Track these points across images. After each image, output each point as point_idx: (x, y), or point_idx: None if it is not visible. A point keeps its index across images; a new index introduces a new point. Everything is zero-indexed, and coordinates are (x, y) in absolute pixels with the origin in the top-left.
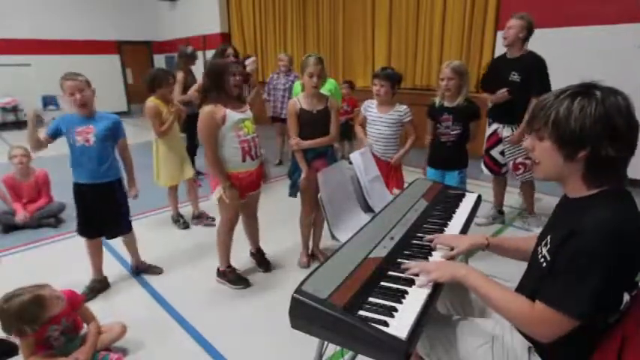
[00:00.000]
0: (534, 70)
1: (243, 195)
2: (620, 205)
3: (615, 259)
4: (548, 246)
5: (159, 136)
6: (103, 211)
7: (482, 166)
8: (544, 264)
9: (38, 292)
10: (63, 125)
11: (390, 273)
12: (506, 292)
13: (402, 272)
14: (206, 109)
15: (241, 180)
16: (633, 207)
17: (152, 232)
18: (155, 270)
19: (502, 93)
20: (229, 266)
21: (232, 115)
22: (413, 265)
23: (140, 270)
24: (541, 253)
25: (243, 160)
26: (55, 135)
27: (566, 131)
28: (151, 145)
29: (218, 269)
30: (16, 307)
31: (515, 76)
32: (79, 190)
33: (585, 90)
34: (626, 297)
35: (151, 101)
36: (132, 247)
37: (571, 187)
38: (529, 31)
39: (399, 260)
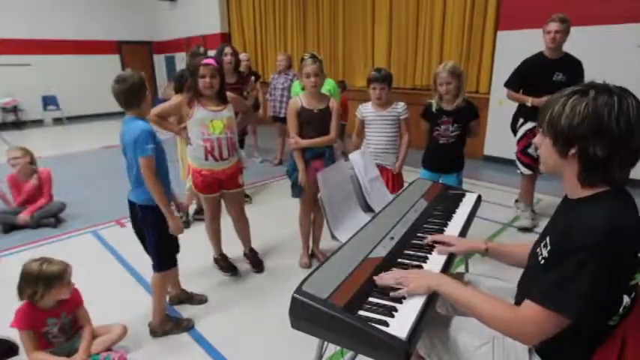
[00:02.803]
0: (579, 71)
1: (207, 191)
2: (617, 204)
3: (609, 258)
4: (549, 247)
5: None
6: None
7: (519, 166)
8: (543, 263)
9: (65, 263)
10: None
11: None
12: (486, 297)
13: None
14: (179, 98)
15: (204, 177)
16: (631, 206)
17: None
18: (199, 299)
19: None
20: (221, 254)
21: (200, 111)
22: (389, 279)
23: (182, 301)
24: (541, 254)
25: (206, 159)
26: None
27: (558, 129)
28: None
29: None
30: (42, 267)
31: (560, 77)
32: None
33: (584, 89)
34: (626, 299)
35: (176, 97)
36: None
37: (568, 186)
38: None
39: (399, 260)
